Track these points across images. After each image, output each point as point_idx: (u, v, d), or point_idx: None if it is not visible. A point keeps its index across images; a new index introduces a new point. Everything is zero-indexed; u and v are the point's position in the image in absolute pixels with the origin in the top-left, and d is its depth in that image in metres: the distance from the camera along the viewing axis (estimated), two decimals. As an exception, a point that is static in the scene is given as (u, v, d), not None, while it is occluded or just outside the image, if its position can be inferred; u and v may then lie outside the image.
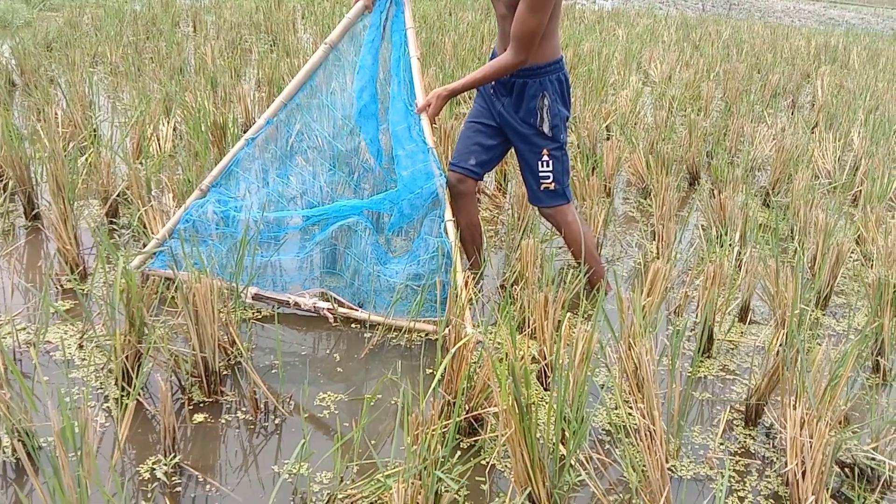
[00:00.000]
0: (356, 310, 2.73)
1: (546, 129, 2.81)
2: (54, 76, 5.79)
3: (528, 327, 2.58)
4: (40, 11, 9.04)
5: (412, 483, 1.57)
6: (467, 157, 2.91)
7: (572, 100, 4.94)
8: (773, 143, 5.09)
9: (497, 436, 1.97)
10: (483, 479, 1.99)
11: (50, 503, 1.61)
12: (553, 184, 2.89)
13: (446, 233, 2.63)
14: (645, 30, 11.14)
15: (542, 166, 2.87)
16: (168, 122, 4.29)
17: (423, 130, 2.71)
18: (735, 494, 2.05)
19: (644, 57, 8.53)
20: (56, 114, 4.19)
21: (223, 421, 2.18)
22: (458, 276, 2.48)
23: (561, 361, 1.89)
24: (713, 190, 4.35)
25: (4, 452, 1.95)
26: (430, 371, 2.46)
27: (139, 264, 2.76)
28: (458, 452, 2.08)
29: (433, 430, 1.69)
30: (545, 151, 2.85)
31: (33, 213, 3.49)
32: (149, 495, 1.86)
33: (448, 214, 2.66)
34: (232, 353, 2.42)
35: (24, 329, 2.56)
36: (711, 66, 8.28)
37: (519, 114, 2.82)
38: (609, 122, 5.42)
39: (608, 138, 5.17)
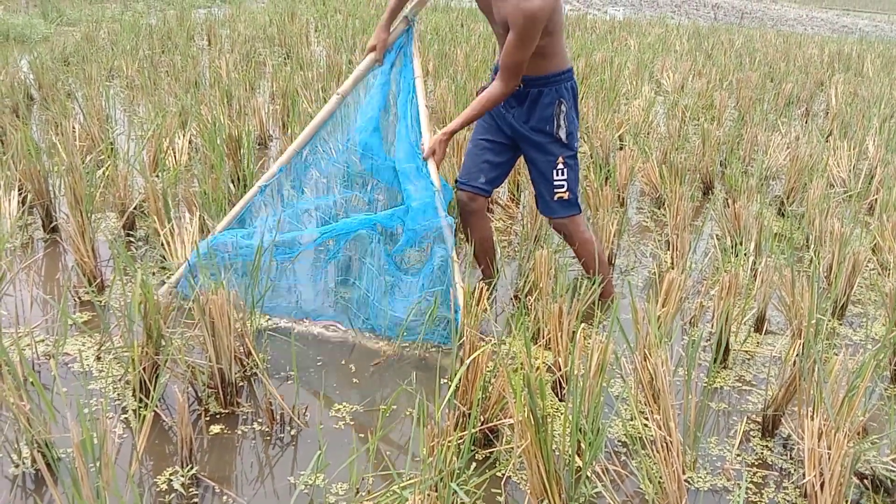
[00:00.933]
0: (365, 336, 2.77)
1: (563, 135, 2.82)
2: (71, 90, 5.86)
3: (543, 338, 2.58)
4: (58, 26, 9.16)
5: (428, 495, 1.57)
6: (476, 175, 2.93)
7: (584, 110, 4.97)
8: (788, 152, 5.07)
9: (512, 447, 1.97)
10: (499, 490, 1.99)
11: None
12: (567, 193, 2.89)
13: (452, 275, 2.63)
14: (657, 39, 11.14)
15: (557, 175, 2.87)
16: (184, 135, 4.33)
17: (430, 174, 2.71)
18: (756, 499, 2.03)
19: (656, 66, 8.53)
20: (73, 127, 4.24)
21: (239, 432, 2.19)
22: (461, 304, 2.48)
23: (576, 372, 1.89)
24: (727, 199, 4.34)
25: (24, 463, 1.97)
26: (445, 381, 2.46)
27: (167, 293, 2.78)
28: (474, 464, 2.08)
29: (449, 442, 1.70)
30: (561, 159, 2.85)
31: (51, 225, 3.52)
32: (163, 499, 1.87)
33: (453, 254, 2.65)
34: (248, 364, 2.43)
35: (43, 341, 2.58)
36: (724, 76, 8.27)
37: (530, 123, 2.83)
38: (622, 131, 5.42)
39: (621, 148, 5.16)
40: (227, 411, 2.27)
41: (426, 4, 2.94)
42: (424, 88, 2.87)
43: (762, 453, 2.27)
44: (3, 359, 2.11)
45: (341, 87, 2.90)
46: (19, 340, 2.52)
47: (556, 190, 2.89)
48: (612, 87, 6.48)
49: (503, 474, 2.03)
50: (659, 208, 4.28)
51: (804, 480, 1.96)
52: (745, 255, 3.39)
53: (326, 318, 2.83)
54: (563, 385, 2.42)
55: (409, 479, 1.92)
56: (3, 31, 8.13)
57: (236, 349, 2.32)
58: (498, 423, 2.13)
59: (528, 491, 1.83)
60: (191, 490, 1.94)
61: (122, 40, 7.69)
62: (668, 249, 3.60)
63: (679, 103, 6.51)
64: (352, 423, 2.26)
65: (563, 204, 2.92)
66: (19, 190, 3.54)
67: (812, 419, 1.92)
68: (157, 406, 2.21)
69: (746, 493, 2.07)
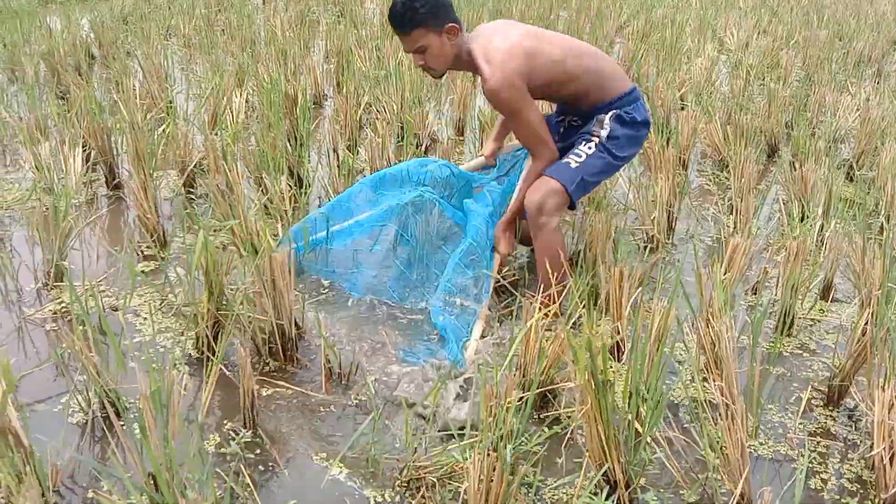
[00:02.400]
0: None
1: (602, 133, 2.59)
2: (131, 49, 5.94)
3: (601, 302, 2.54)
4: (116, -15, 9.25)
5: (487, 455, 1.57)
6: None
7: (644, 68, 4.71)
8: (857, 114, 4.86)
9: (572, 410, 1.96)
10: (558, 453, 1.99)
11: (138, 461, 1.67)
12: (577, 164, 2.55)
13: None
14: (720, -5, 10.74)
15: (583, 146, 2.59)
16: (241, 94, 4.35)
17: (492, 264, 2.62)
18: (817, 476, 1.99)
19: (719, 24, 8.24)
20: (134, 86, 4.30)
21: (297, 389, 2.22)
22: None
23: (637, 337, 1.85)
24: (793, 162, 4.19)
25: (93, 412, 2.03)
26: (499, 342, 2.45)
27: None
28: (532, 427, 2.08)
29: (508, 403, 1.69)
30: (595, 140, 2.59)
31: (114, 182, 3.60)
32: (227, 457, 1.92)
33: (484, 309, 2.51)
34: (303, 324, 2.45)
35: (107, 293, 2.65)
36: (790, 34, 7.94)
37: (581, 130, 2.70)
38: (683, 91, 5.26)
39: (683, 108, 5.02)
40: (284, 368, 2.31)
41: None
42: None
43: (826, 423, 2.21)
44: (75, 310, 2.17)
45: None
46: (88, 292, 2.60)
47: (570, 156, 2.58)
48: (673, 44, 6.28)
49: (562, 436, 2.01)
50: (722, 171, 4.16)
51: (872, 453, 1.91)
52: (812, 220, 3.27)
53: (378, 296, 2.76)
54: (622, 349, 2.39)
55: (468, 440, 1.93)
56: (65, -9, 8.26)
57: (294, 307, 2.34)
58: (557, 385, 2.12)
59: (587, 455, 1.81)
60: (249, 442, 1.98)
61: (179, -1, 7.75)
62: (732, 213, 3.50)
63: (743, 62, 6.29)
64: (407, 386, 2.27)
65: (563, 167, 2.56)
66: (83, 147, 3.61)
67: (883, 390, 1.86)
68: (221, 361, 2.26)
69: (810, 462, 2.03)
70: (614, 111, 2.61)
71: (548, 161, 2.57)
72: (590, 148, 2.59)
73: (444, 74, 2.59)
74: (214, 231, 2.95)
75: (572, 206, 2.63)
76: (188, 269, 2.29)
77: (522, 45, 2.45)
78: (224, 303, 2.28)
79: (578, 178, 2.53)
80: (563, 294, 2.42)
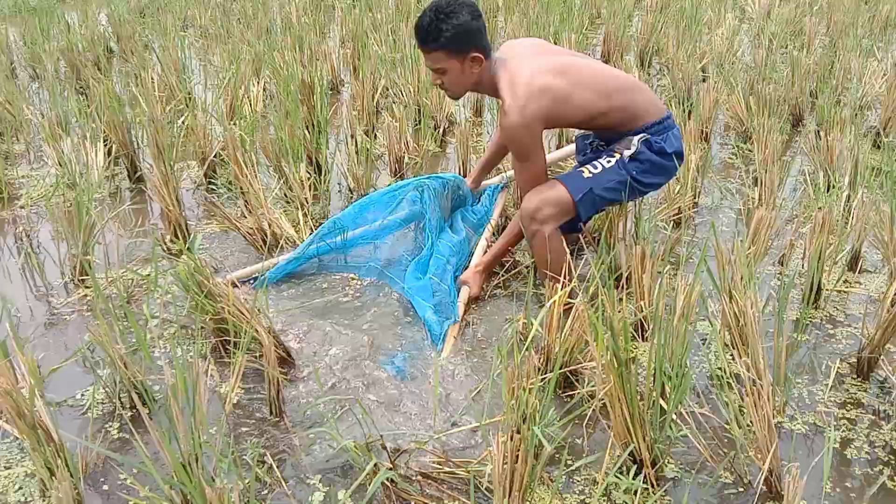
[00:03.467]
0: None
1: (626, 153, 2.46)
2: (148, 41, 5.97)
3: (623, 280, 2.52)
4: (132, -22, 9.29)
5: (511, 437, 1.57)
6: None
7: (664, 41, 4.61)
8: (884, 80, 4.74)
9: (595, 390, 1.95)
10: (582, 432, 1.98)
11: (166, 451, 1.69)
12: (589, 175, 2.44)
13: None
14: (740, -37, 10.52)
15: (602, 160, 2.48)
16: (258, 83, 4.36)
17: (458, 299, 2.54)
18: (850, 446, 1.96)
19: (740, -8, 8.08)
20: (152, 78, 4.32)
21: (320, 374, 2.23)
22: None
23: (660, 315, 1.83)
24: (818, 131, 4.11)
25: (122, 404, 2.06)
26: (520, 320, 2.44)
27: (240, 277, 2.71)
28: (555, 407, 2.07)
29: (531, 384, 1.68)
30: (617, 156, 2.47)
31: (136, 175, 3.63)
32: (254, 440, 1.94)
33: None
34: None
35: (130, 285, 2.68)
36: (814, -1, 7.77)
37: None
38: (704, 62, 5.17)
39: (704, 80, 4.94)
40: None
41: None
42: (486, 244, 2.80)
43: (857, 395, 2.18)
44: (98, 303, 2.20)
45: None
46: (112, 285, 2.63)
47: (585, 166, 2.49)
48: (692, 15, 6.17)
49: (587, 416, 2.01)
50: (745, 142, 4.09)
51: (904, 425, 1.88)
52: (838, 190, 3.21)
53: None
54: (646, 327, 2.37)
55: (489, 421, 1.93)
56: (82, -14, 8.31)
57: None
58: (579, 366, 2.11)
59: (612, 433, 1.80)
60: (277, 430, 2.00)
61: (195, -11, 7.76)
62: (756, 186, 3.44)
63: (765, 30, 6.17)
64: (428, 371, 2.27)
65: (575, 175, 2.46)
66: (105, 141, 3.65)
67: (914, 362, 1.83)
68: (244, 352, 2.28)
69: (840, 435, 2.00)
70: (643, 134, 2.48)
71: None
72: (608, 162, 2.47)
73: (461, 97, 2.53)
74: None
75: (575, 228, 2.54)
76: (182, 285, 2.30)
77: (552, 87, 2.32)
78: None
79: (587, 188, 2.40)
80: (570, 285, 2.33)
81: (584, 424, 2.00)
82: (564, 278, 2.25)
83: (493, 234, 2.87)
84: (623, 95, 2.45)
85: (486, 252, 2.69)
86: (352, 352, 2.30)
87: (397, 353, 2.31)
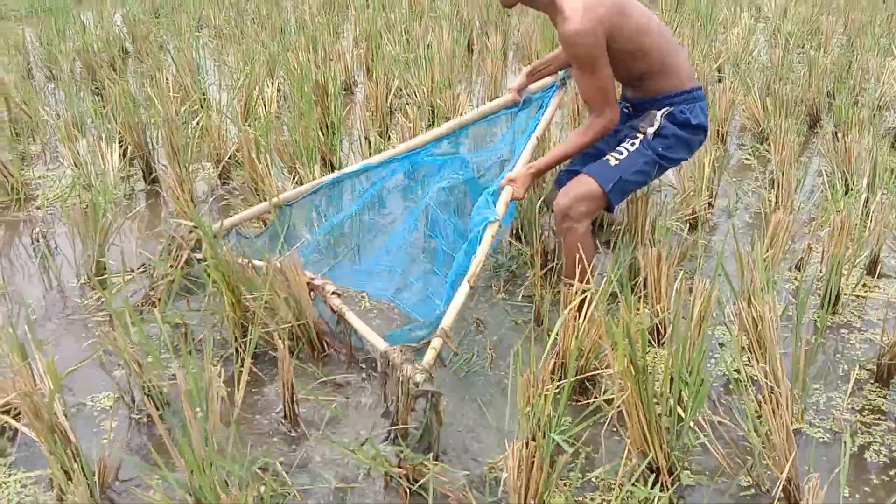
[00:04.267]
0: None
1: (650, 130, 2.47)
2: (163, 42, 5.99)
3: (640, 284, 2.50)
4: (147, -22, 9.33)
5: (526, 444, 1.56)
6: (571, 175, 2.66)
7: (679, 39, 4.55)
8: (904, 80, 4.70)
9: (611, 398, 1.93)
10: (598, 439, 1.97)
11: (180, 456, 1.69)
12: (616, 162, 2.44)
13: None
14: (756, -39, 10.45)
15: (626, 144, 2.49)
16: (272, 83, 4.36)
17: (499, 199, 2.40)
18: (869, 450, 1.94)
19: (756, -9, 8.02)
20: (167, 79, 4.33)
21: (327, 381, 2.23)
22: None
23: (677, 321, 1.82)
24: (836, 133, 4.07)
25: (137, 408, 2.07)
26: (532, 323, 2.43)
27: (228, 227, 2.72)
28: (569, 413, 2.06)
29: (546, 391, 1.67)
30: (640, 136, 2.48)
31: (151, 176, 3.64)
32: (267, 447, 1.94)
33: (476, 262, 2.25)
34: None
35: (148, 289, 2.69)
36: (831, -3, 7.71)
37: (629, 121, 2.59)
38: (720, 62, 5.14)
39: (720, 80, 4.91)
40: (315, 358, 2.32)
41: None
42: (539, 148, 2.71)
43: (876, 402, 2.15)
44: (111, 306, 2.21)
45: (465, 115, 2.87)
46: (124, 289, 2.64)
47: (612, 153, 2.48)
48: (708, 14, 6.13)
49: (603, 423, 1.99)
50: (762, 143, 4.06)
51: (925, 433, 1.86)
52: (856, 193, 3.18)
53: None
54: (661, 332, 2.36)
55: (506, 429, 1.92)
56: (98, -14, 8.35)
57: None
58: (595, 373, 2.09)
59: (629, 441, 1.79)
60: (290, 432, 2.00)
61: (209, -11, 7.79)
62: (773, 188, 3.42)
63: (781, 30, 6.12)
64: (446, 378, 2.27)
65: (602, 165, 2.45)
66: (120, 142, 3.66)
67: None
68: (252, 358, 2.28)
69: (860, 441, 1.98)
70: (667, 108, 2.48)
71: (607, 122, 2.40)
72: (632, 144, 2.46)
73: (514, 5, 2.49)
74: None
75: (609, 209, 2.52)
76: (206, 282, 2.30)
77: (611, 0, 2.32)
78: (247, 312, 2.29)
79: (617, 177, 2.39)
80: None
81: (600, 433, 1.98)
82: (590, 276, 2.26)
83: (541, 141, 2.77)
84: (667, 44, 2.46)
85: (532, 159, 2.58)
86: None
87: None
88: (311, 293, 2.31)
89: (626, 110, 2.64)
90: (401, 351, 1.90)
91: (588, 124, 2.42)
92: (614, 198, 2.43)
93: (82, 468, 1.69)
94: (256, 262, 2.35)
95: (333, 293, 2.31)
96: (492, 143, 2.92)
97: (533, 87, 2.85)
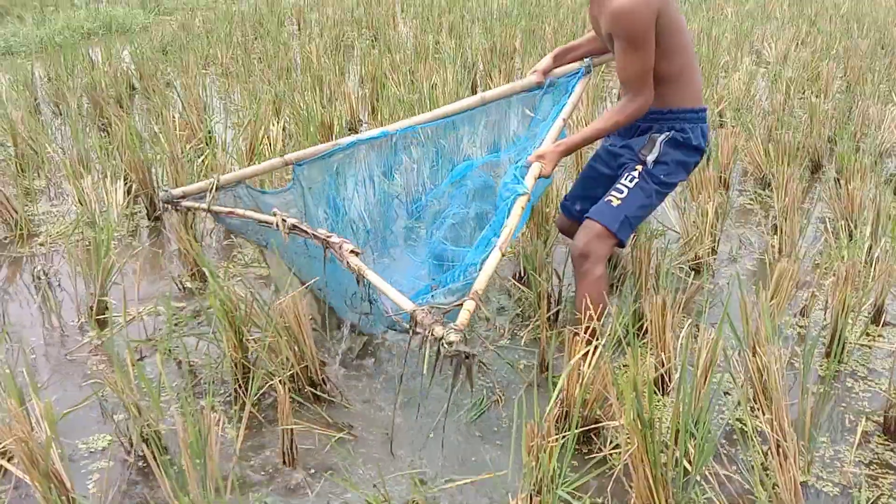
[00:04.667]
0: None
1: (649, 158, 2.47)
2: (170, 80, 6.05)
3: (643, 331, 2.48)
4: (156, 16, 9.47)
5: (531, 500, 1.53)
6: (576, 200, 2.75)
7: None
8: (904, 127, 4.72)
9: (616, 450, 1.91)
10: (604, 494, 1.93)
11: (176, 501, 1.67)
12: (618, 202, 2.44)
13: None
14: (756, 6, 10.60)
15: (625, 179, 2.48)
16: (278, 122, 4.39)
17: (528, 173, 2.37)
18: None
19: (756, 36, 8.12)
20: (173, 117, 4.36)
21: (327, 424, 2.20)
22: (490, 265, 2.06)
23: (683, 373, 1.80)
24: (838, 179, 4.08)
25: (135, 451, 2.04)
26: (536, 369, 2.41)
27: (233, 179, 2.69)
28: (570, 467, 2.03)
29: (550, 444, 1.65)
30: (639, 168, 2.48)
31: (155, 214, 3.64)
32: (261, 491, 1.91)
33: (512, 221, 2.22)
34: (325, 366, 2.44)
35: (148, 319, 2.67)
36: (830, 44, 7.79)
37: (622, 142, 2.59)
38: (722, 107, 5.18)
39: (721, 125, 4.94)
40: (314, 402, 2.29)
41: (607, 61, 2.82)
42: (564, 129, 2.68)
43: (884, 455, 2.12)
44: (110, 349, 2.19)
45: (488, 92, 2.86)
46: (122, 329, 2.62)
47: (613, 192, 2.47)
48: (709, 59, 6.20)
49: (610, 476, 1.95)
50: (764, 189, 4.07)
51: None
52: (860, 240, 3.17)
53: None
54: (666, 380, 2.33)
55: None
56: (107, 23, 8.47)
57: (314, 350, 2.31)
58: (600, 425, 2.06)
59: (634, 494, 1.76)
60: (290, 480, 1.97)
61: (217, 28, 7.88)
62: (775, 234, 3.42)
63: (782, 75, 6.18)
64: (447, 426, 2.24)
65: (606, 207, 2.45)
66: (125, 180, 3.67)
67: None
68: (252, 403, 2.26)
69: (869, 496, 1.94)
70: (669, 133, 2.48)
71: (643, 103, 2.39)
72: (632, 180, 2.47)
73: None
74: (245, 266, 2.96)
75: (621, 245, 2.52)
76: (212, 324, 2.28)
77: None
78: (248, 353, 2.28)
79: (622, 216, 2.41)
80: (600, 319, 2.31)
81: (606, 484, 1.95)
82: (598, 320, 2.24)
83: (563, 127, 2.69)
84: (693, 53, 2.48)
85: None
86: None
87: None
88: (327, 251, 2.23)
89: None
90: (429, 311, 1.82)
91: (622, 105, 2.42)
92: (623, 235, 2.45)
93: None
94: (266, 217, 2.33)
95: (352, 252, 2.17)
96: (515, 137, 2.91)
97: (558, 71, 2.81)
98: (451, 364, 1.76)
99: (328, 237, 2.23)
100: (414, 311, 1.85)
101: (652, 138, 2.50)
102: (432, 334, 1.74)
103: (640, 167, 2.48)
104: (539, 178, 2.40)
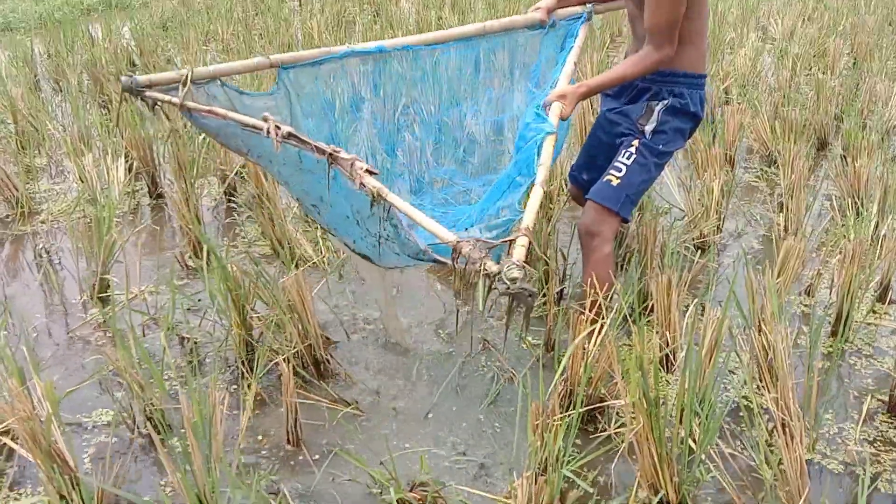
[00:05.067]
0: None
1: (648, 128, 2.43)
2: (171, 56, 6.00)
3: (648, 309, 2.47)
4: (156, -9, 9.38)
5: (536, 479, 1.53)
6: (582, 170, 2.73)
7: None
8: (912, 103, 4.68)
9: (621, 428, 1.90)
10: (607, 471, 1.93)
11: (183, 485, 1.67)
12: (618, 181, 2.40)
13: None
14: (762, -18, 10.47)
15: (623, 156, 2.43)
16: (279, 99, 4.35)
17: (551, 111, 2.23)
18: (882, 480, 1.90)
19: (762, 12, 8.03)
20: (174, 94, 4.32)
21: (330, 406, 2.20)
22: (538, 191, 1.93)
23: (689, 351, 1.78)
24: (844, 156, 4.05)
25: (139, 430, 2.04)
26: (542, 347, 2.40)
27: (209, 74, 2.27)
28: (579, 440, 2.02)
29: (556, 423, 1.64)
30: (636, 143, 2.43)
31: (157, 192, 3.62)
32: (266, 469, 1.90)
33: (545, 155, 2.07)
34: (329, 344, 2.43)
35: (150, 298, 2.66)
36: (837, 20, 7.70)
37: (619, 107, 2.54)
38: (728, 83, 5.12)
39: (727, 102, 4.89)
40: (318, 379, 2.29)
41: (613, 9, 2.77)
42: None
43: (888, 433, 2.12)
44: (114, 327, 2.18)
45: (491, 22, 2.72)
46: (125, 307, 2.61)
47: (611, 171, 2.43)
48: (715, 35, 6.13)
49: (614, 456, 1.95)
50: (770, 166, 4.04)
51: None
52: (866, 218, 3.15)
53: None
54: (671, 359, 2.32)
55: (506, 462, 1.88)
56: (107, -1, 8.40)
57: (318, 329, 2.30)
58: (605, 404, 2.05)
59: (639, 473, 1.75)
60: (294, 457, 1.97)
61: (218, 4, 7.80)
62: (781, 211, 3.39)
63: (789, 52, 6.11)
64: (453, 407, 2.23)
65: (606, 188, 2.42)
66: (126, 157, 3.65)
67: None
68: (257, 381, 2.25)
69: (874, 474, 1.94)
70: (667, 100, 2.43)
71: (663, 56, 2.32)
72: (629, 157, 2.42)
73: None
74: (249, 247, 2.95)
75: (625, 221, 2.50)
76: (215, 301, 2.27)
77: None
78: (251, 331, 2.27)
79: (622, 196, 2.38)
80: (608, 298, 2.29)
81: (610, 464, 1.94)
82: (606, 300, 2.22)
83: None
84: (703, 24, 2.42)
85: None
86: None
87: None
88: (332, 166, 1.96)
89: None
90: (475, 244, 1.68)
91: (643, 55, 2.35)
92: (625, 212, 2.42)
93: (81, 497, 1.65)
94: (255, 121, 2.03)
95: (367, 171, 1.91)
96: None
97: (561, 12, 2.71)
98: (510, 302, 1.63)
99: (336, 151, 1.93)
100: (458, 242, 1.70)
101: (650, 107, 2.45)
102: (484, 269, 1.61)
103: (637, 141, 2.44)
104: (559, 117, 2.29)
